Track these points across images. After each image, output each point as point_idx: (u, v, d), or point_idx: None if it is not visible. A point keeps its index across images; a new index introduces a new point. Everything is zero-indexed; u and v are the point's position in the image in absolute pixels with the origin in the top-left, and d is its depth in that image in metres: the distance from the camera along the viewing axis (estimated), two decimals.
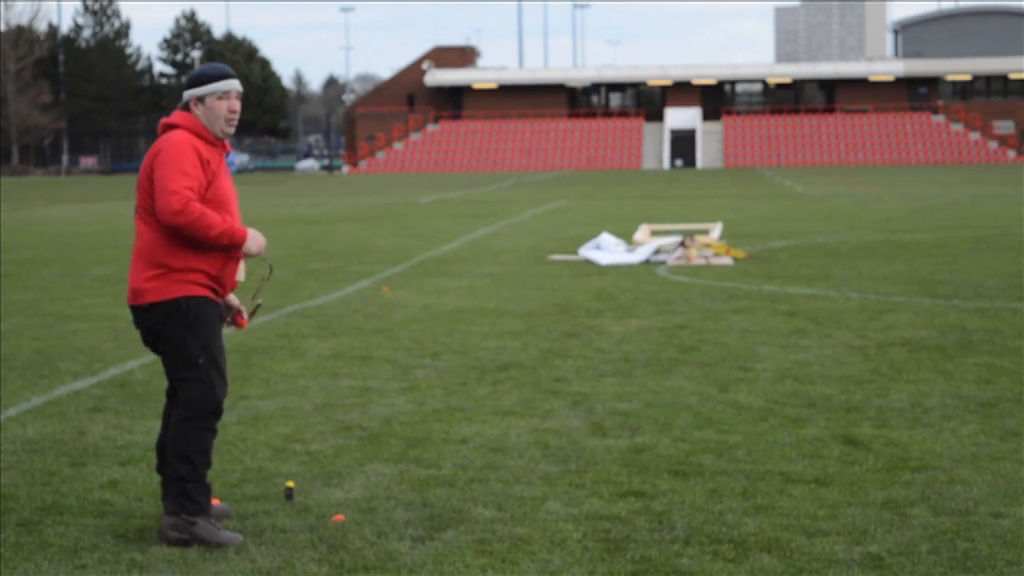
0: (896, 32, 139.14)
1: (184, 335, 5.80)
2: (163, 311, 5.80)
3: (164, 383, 6.28)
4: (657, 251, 19.14)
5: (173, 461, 5.81)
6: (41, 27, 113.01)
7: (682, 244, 19.01)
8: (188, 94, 5.92)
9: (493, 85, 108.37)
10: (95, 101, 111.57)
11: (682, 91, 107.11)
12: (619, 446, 7.43)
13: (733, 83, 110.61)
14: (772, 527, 5.86)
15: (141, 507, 6.30)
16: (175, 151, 5.75)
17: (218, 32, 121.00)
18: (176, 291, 5.78)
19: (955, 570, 5.30)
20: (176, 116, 5.91)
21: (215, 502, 6.21)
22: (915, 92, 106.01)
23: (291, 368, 10.20)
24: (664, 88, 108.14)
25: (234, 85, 5.93)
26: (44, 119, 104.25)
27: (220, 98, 5.88)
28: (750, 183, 58.18)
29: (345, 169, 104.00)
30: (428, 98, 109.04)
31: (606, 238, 19.99)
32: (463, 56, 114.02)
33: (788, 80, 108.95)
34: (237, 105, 5.93)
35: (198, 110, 5.88)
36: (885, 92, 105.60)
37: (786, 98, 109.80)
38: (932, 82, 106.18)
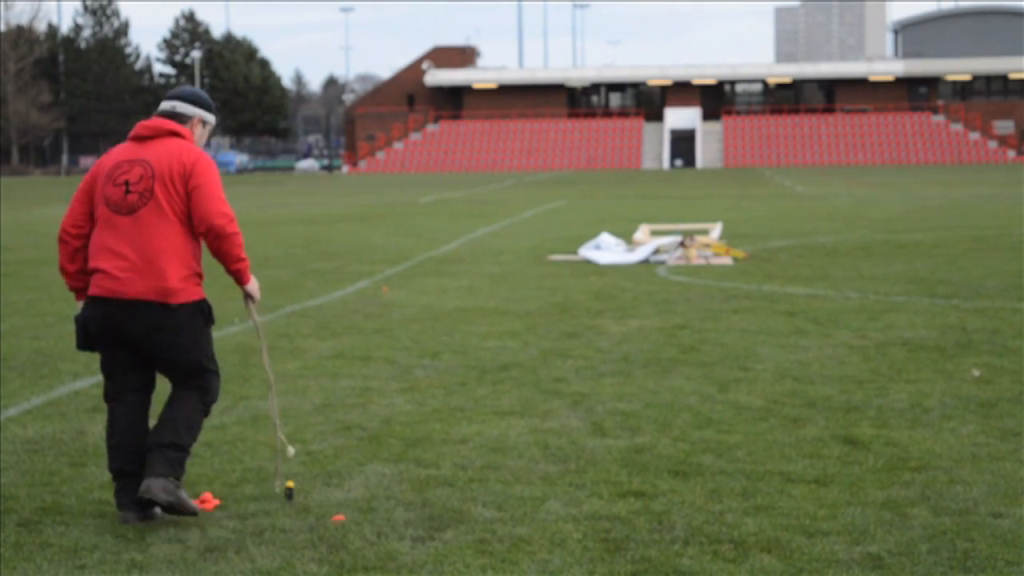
0: (896, 32, 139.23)
1: (204, 332, 6.14)
2: (189, 311, 6.06)
3: (164, 383, 6.28)
4: (657, 251, 19.14)
5: (180, 430, 6.06)
6: (41, 27, 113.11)
7: (682, 244, 19.01)
8: (198, 113, 6.21)
9: (493, 85, 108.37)
10: (94, 101, 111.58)
11: (682, 91, 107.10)
12: (619, 446, 7.43)
13: (733, 83, 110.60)
14: (772, 527, 5.86)
15: None
16: (214, 165, 6.13)
17: (218, 32, 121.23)
18: (200, 293, 6.13)
19: (955, 570, 5.30)
20: (182, 129, 6.13)
21: (215, 503, 6.24)
22: (915, 92, 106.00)
23: (291, 368, 10.19)
24: (664, 88, 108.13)
25: None
26: (44, 119, 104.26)
27: (206, 128, 6.34)
28: (750, 183, 58.17)
29: (345, 169, 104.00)
30: (428, 98, 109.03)
31: (606, 238, 20.00)
32: (463, 56, 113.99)
33: (788, 80, 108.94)
34: None
35: (196, 131, 6.22)
36: (885, 92, 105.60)
37: (786, 98, 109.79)
38: (932, 82, 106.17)
